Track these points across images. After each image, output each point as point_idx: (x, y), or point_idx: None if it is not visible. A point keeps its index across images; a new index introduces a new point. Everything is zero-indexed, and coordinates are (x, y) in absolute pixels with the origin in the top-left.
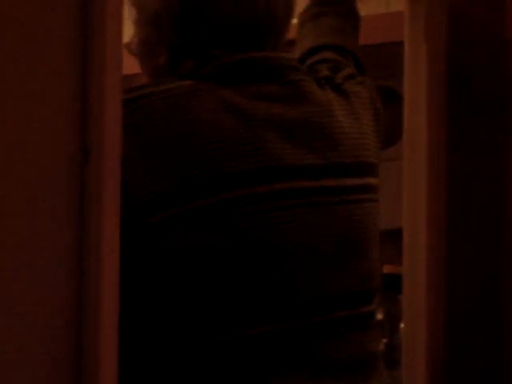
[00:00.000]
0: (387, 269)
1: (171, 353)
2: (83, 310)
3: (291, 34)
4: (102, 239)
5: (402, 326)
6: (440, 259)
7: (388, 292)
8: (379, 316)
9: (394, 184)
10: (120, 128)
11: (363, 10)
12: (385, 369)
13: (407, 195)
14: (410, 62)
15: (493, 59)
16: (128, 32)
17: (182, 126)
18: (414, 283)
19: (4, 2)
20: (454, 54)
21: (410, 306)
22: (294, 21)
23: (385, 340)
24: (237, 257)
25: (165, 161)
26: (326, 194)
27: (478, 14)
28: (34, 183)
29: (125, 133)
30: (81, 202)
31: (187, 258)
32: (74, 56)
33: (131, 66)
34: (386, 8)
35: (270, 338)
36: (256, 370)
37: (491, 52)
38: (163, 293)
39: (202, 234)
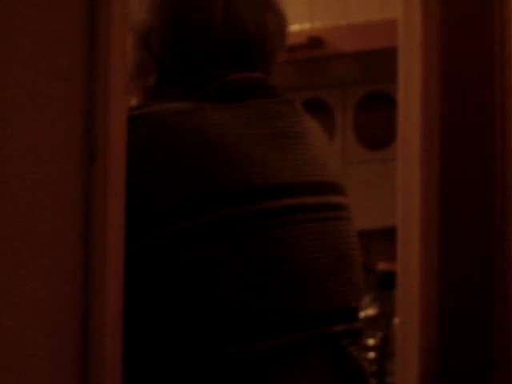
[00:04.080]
0: (382, 266)
1: (172, 362)
2: (88, 309)
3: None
4: (106, 239)
5: (396, 320)
6: (433, 256)
7: (383, 288)
8: (374, 311)
9: (390, 184)
10: (125, 131)
11: (358, 17)
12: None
13: (401, 195)
14: (404, 67)
15: (486, 65)
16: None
17: (192, 142)
18: (408, 279)
19: (13, 8)
20: (448, 58)
21: (404, 302)
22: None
23: (380, 334)
24: (243, 271)
25: (178, 174)
26: (327, 209)
27: (471, 22)
28: (41, 184)
29: (135, 147)
30: (86, 203)
31: (195, 269)
32: (80, 60)
33: None
34: (380, 15)
35: (275, 351)
36: (261, 380)
37: (484, 57)
38: (169, 301)
39: (211, 247)
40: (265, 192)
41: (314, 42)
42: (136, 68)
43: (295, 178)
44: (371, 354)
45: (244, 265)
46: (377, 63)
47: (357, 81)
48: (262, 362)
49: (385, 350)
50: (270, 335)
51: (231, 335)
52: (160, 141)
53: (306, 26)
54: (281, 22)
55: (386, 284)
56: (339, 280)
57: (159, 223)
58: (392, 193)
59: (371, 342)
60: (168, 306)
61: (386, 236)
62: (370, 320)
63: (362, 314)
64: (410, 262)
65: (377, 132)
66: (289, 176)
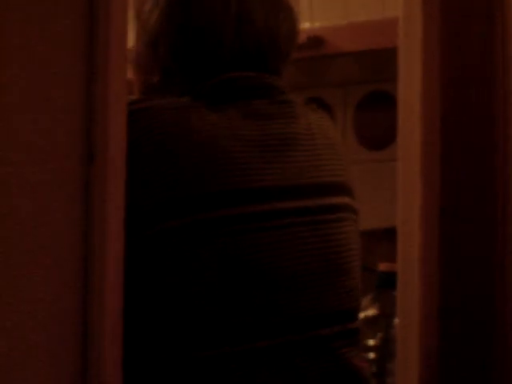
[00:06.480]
0: (383, 266)
1: (164, 362)
2: (87, 309)
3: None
4: (106, 240)
5: (396, 321)
6: (433, 257)
7: (383, 289)
8: (374, 311)
9: (390, 184)
10: (125, 131)
11: (360, 15)
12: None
13: (401, 195)
14: (405, 67)
15: (487, 64)
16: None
17: (181, 142)
18: (408, 280)
19: (12, 7)
20: (449, 58)
21: (404, 302)
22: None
23: (380, 334)
24: (227, 274)
25: (163, 174)
26: (318, 212)
27: (472, 21)
28: (40, 185)
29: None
30: (86, 203)
31: (178, 270)
32: (80, 59)
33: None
34: (381, 14)
35: (259, 354)
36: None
37: (485, 56)
38: (156, 302)
39: (194, 248)
40: (250, 195)
41: (314, 41)
42: (140, 63)
43: (283, 182)
44: (371, 355)
45: (224, 269)
46: (378, 63)
47: (357, 80)
48: (242, 366)
49: (385, 350)
50: (248, 339)
51: (204, 338)
52: (150, 139)
53: (306, 25)
54: (294, 23)
55: (386, 284)
56: (330, 284)
57: (144, 223)
58: (392, 193)
59: (371, 342)
60: (155, 310)
61: (387, 236)
62: (369, 320)
63: (362, 315)
64: (410, 263)
65: (377, 132)
66: (276, 179)
